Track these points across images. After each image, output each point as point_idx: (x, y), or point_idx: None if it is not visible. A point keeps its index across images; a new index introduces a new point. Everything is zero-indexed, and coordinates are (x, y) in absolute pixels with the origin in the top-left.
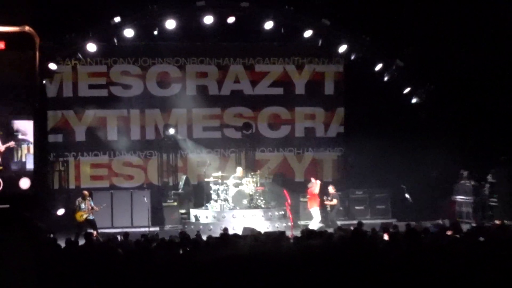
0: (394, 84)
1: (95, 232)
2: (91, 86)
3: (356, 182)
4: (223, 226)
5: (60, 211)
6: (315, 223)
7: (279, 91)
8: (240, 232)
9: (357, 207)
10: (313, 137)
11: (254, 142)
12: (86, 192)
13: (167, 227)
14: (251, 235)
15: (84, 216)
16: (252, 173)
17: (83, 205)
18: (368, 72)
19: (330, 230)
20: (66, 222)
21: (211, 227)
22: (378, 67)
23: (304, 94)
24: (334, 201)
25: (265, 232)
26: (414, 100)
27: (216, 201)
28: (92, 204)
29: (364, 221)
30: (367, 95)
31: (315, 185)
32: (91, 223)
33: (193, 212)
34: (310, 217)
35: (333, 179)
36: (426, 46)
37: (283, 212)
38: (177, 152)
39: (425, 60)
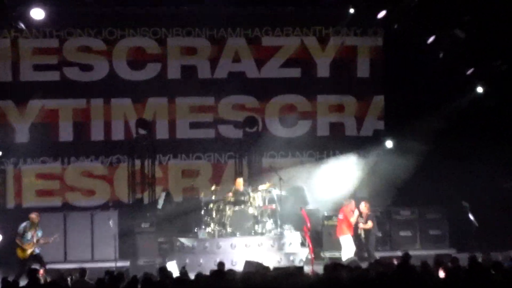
0: (452, 63)
1: (41, 270)
2: (37, 67)
3: (401, 198)
4: (218, 260)
5: None
6: (347, 255)
7: (294, 73)
8: (241, 268)
9: (402, 233)
10: (341, 136)
11: (261, 144)
12: (35, 216)
13: (141, 261)
14: (256, 272)
15: (29, 252)
16: (258, 186)
17: (29, 235)
18: (416, 47)
19: (365, 264)
20: (3, 253)
21: (201, 261)
22: (430, 40)
23: (329, 77)
24: (369, 224)
25: (275, 268)
26: (479, 86)
27: (208, 225)
28: (40, 235)
29: (411, 252)
30: (415, 78)
31: (349, 210)
32: (36, 258)
33: (177, 240)
34: (337, 247)
35: (368, 194)
36: (497, 11)
37: (300, 240)
38: (155, 158)
39: (494, 31)
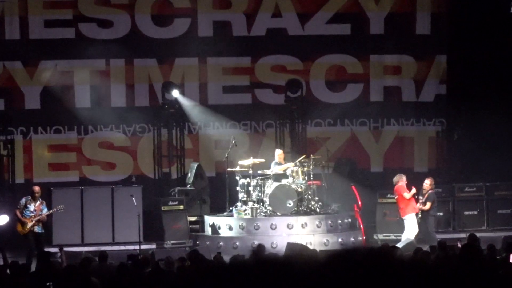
0: None
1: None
2: (49, 23)
3: (466, 173)
4: (257, 242)
5: (2, 219)
6: (408, 237)
7: (344, 29)
8: (282, 251)
9: (466, 212)
10: (398, 101)
11: (305, 111)
12: (37, 188)
13: (169, 243)
14: (300, 255)
15: (29, 226)
16: (302, 159)
17: (31, 208)
18: None
19: (425, 247)
20: (12, 235)
21: (237, 243)
22: None
23: (384, 34)
24: (427, 205)
25: (321, 251)
26: None
27: (245, 203)
28: (45, 210)
29: (478, 234)
30: (484, 35)
31: (402, 186)
32: (36, 237)
33: (209, 220)
34: (395, 229)
35: (429, 169)
36: None
37: (350, 220)
38: (184, 127)
39: None
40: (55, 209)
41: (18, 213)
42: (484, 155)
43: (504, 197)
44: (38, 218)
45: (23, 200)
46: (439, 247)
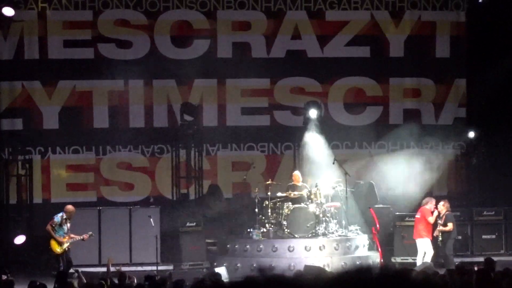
0: None
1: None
2: (69, 43)
3: (485, 196)
4: (274, 264)
5: (19, 239)
6: (423, 260)
7: (363, 52)
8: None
9: (485, 236)
10: (417, 125)
11: (323, 132)
12: (72, 208)
13: (187, 264)
14: (317, 277)
15: (65, 246)
16: (320, 182)
17: (65, 227)
18: (504, 23)
19: (442, 271)
20: (29, 255)
21: (254, 265)
22: None
23: (403, 57)
24: (450, 226)
25: (339, 273)
26: None
27: (263, 224)
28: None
29: (496, 258)
30: (502, 59)
31: (429, 210)
32: (68, 259)
33: (227, 242)
34: (412, 252)
35: (448, 192)
36: None
37: (368, 243)
38: (202, 148)
39: None
40: (86, 236)
41: (51, 231)
42: (502, 179)
43: None
44: (74, 239)
45: (58, 218)
46: (457, 271)
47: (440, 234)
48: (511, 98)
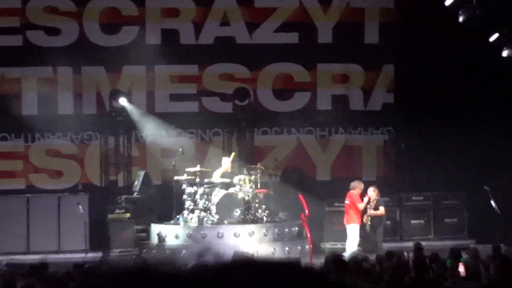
0: (476, 27)
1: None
2: None
3: (413, 182)
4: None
5: None
6: (351, 246)
7: (292, 38)
8: (228, 259)
9: (413, 221)
10: (345, 110)
11: (252, 119)
12: None
13: (115, 252)
14: (244, 264)
15: None
16: (249, 168)
17: None
18: (432, 10)
19: (372, 257)
20: None
21: (184, 251)
22: (448, 0)
23: (332, 44)
24: (381, 210)
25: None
26: (505, 52)
27: (192, 211)
28: None
29: (424, 243)
30: (432, 45)
31: (357, 194)
32: None
33: (155, 228)
34: (342, 238)
35: (377, 177)
36: None
37: (297, 229)
38: (131, 135)
39: None
40: None
41: None
42: (431, 164)
43: (451, 206)
44: None
45: None
46: (388, 256)
47: (370, 219)
48: (439, 84)
